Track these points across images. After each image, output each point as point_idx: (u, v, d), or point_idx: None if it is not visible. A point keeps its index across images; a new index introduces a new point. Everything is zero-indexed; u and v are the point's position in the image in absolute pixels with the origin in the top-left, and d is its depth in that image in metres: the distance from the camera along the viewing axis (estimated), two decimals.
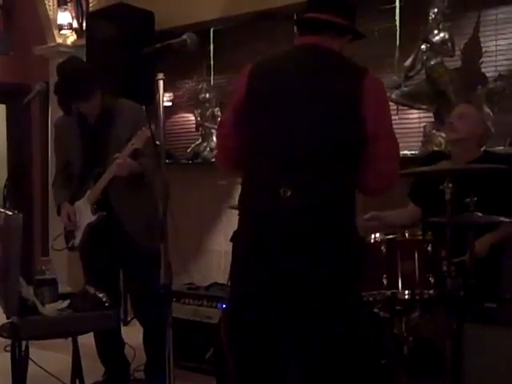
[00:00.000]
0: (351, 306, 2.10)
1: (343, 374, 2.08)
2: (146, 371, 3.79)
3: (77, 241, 3.58)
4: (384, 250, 2.76)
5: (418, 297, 2.69)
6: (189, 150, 5.40)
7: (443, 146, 3.99)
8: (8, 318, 2.73)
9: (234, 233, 2.19)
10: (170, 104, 5.57)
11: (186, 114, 5.66)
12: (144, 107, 3.79)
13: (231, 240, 2.20)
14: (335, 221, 2.06)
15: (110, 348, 3.74)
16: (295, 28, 4.67)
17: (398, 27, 4.33)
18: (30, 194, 7.37)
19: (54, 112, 6.47)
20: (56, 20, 6.32)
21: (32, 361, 3.03)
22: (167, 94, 5.49)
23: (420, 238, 2.81)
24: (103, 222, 3.49)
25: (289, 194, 2.02)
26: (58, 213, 3.64)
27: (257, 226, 2.10)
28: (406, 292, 2.70)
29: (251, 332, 2.12)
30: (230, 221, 5.01)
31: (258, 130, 2.14)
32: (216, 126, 5.17)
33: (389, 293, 2.70)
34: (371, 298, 2.70)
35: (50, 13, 6.38)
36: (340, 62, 2.17)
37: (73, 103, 3.48)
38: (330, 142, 2.05)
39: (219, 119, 5.19)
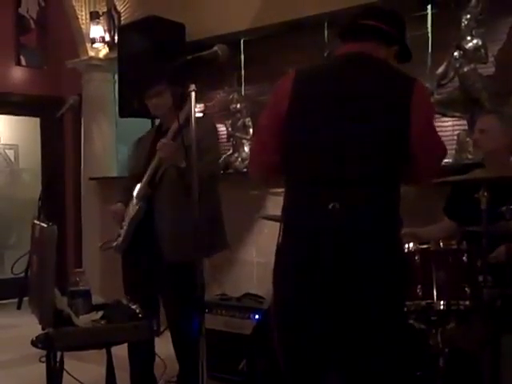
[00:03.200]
0: (399, 321, 2.09)
1: None
2: (178, 382, 3.79)
3: (120, 239, 3.59)
4: (418, 260, 2.73)
5: (453, 307, 2.65)
6: (220, 161, 5.42)
7: None
8: (43, 329, 2.75)
9: (279, 246, 2.14)
10: (201, 115, 5.59)
11: (217, 124, 5.67)
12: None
13: (276, 254, 2.15)
14: (385, 234, 2.03)
15: (140, 361, 3.73)
16: (326, 38, 4.73)
17: (429, 34, 4.29)
18: (64, 206, 7.47)
19: (86, 124, 6.59)
20: (88, 34, 6.42)
21: (67, 372, 3.05)
22: (199, 105, 5.53)
23: (455, 247, 2.77)
24: (145, 225, 3.49)
25: (338, 207, 1.99)
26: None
27: (305, 240, 2.05)
28: (442, 302, 2.66)
29: (302, 343, 2.10)
30: (262, 231, 5.01)
31: (304, 140, 2.10)
32: (247, 137, 5.20)
33: (424, 303, 2.67)
34: (406, 309, 2.66)
35: (83, 26, 6.47)
36: (388, 70, 2.12)
37: (145, 100, 3.60)
38: (379, 154, 2.01)
39: (251, 130, 5.20)
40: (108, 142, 6.63)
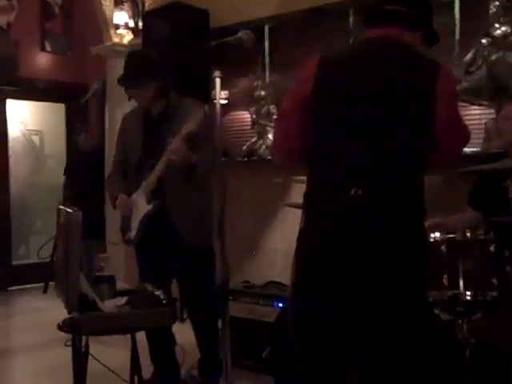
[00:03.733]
0: (421, 307, 2.07)
1: (407, 376, 2.04)
2: (200, 369, 3.81)
3: (133, 233, 3.60)
4: (444, 250, 2.71)
5: (480, 298, 2.63)
6: (244, 148, 5.41)
7: None
8: (69, 313, 2.78)
9: (301, 232, 2.12)
10: (225, 102, 5.59)
11: (241, 111, 5.67)
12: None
13: (297, 239, 2.13)
14: (408, 223, 2.01)
15: (161, 346, 3.76)
16: (351, 25, 4.69)
17: (457, 21, 4.24)
18: (88, 192, 7.50)
19: (111, 110, 6.59)
20: (113, 20, 6.42)
21: (92, 356, 3.08)
22: (223, 92, 5.51)
23: (482, 237, 2.74)
24: (158, 216, 3.51)
25: (360, 193, 1.97)
26: (114, 205, 3.68)
27: (327, 226, 2.03)
28: (468, 293, 2.64)
29: (321, 330, 2.07)
30: (287, 219, 5.00)
31: (328, 125, 2.08)
32: (272, 124, 5.17)
33: (450, 293, 2.65)
34: (431, 299, 2.65)
35: (107, 13, 6.48)
36: (413, 55, 2.09)
37: (125, 90, 3.58)
38: (404, 140, 1.99)
39: (276, 113, 5.18)
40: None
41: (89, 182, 6.47)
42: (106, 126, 6.70)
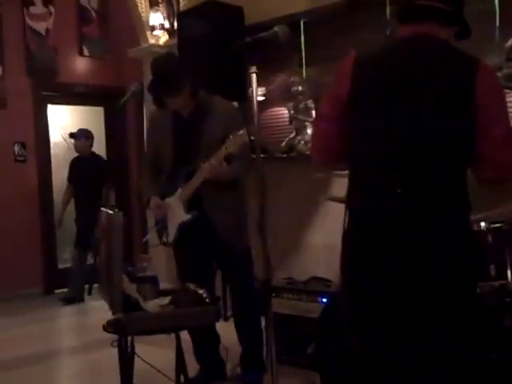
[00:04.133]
0: (472, 306, 2.06)
1: (457, 368, 2.04)
2: (241, 364, 3.82)
3: (170, 237, 3.63)
4: (491, 240, 2.67)
5: None
6: (283, 144, 5.39)
7: None
8: (113, 314, 2.81)
9: (345, 233, 2.13)
10: (262, 98, 5.58)
11: (278, 107, 5.65)
12: (237, 104, 3.81)
13: (342, 240, 2.14)
14: (454, 218, 2.00)
15: (205, 344, 3.79)
16: (388, 16, 4.64)
17: (497, 8, 4.18)
18: (128, 193, 7.60)
19: (149, 111, 6.64)
20: (148, 21, 6.47)
21: (138, 356, 3.11)
22: (260, 89, 5.50)
23: None
24: (196, 220, 3.54)
25: (400, 191, 1.97)
26: (147, 206, 3.71)
27: (371, 227, 2.04)
28: None
29: (374, 328, 2.10)
30: (328, 214, 4.98)
31: (366, 126, 2.07)
32: (310, 119, 5.15)
33: (497, 284, 2.61)
34: (478, 290, 2.60)
35: (143, 14, 6.53)
36: (451, 52, 2.06)
37: (163, 98, 3.53)
38: (443, 138, 1.97)
39: (314, 112, 5.16)
40: None
41: (88, 189, 6.56)
42: (145, 128, 6.76)
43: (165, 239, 3.68)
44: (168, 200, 3.59)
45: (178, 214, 3.56)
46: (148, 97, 6.58)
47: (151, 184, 3.71)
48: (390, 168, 2.01)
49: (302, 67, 5.33)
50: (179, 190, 3.53)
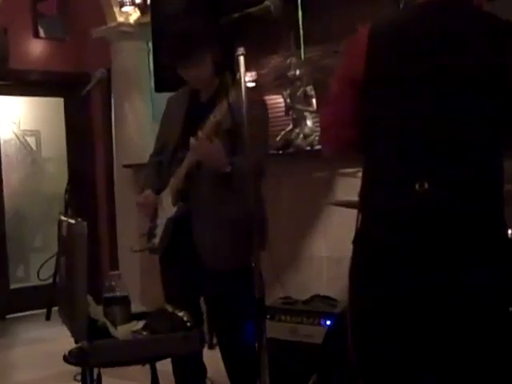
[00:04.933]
0: (508, 313, 2.06)
1: None
2: None
3: (157, 240, 3.58)
4: None
5: None
6: (278, 139, 5.38)
7: None
8: (76, 342, 2.79)
9: (358, 234, 2.14)
10: (253, 84, 5.58)
11: (272, 95, 5.66)
12: None
13: (353, 243, 2.15)
14: (487, 218, 2.00)
15: (190, 376, 3.76)
16: None
17: None
18: (95, 199, 7.58)
19: (118, 102, 6.66)
20: None
21: None
22: (249, 73, 5.51)
23: None
24: (185, 222, 3.50)
25: (426, 186, 1.97)
26: None
27: (388, 228, 2.05)
28: None
29: (390, 354, 2.10)
30: (332, 221, 4.98)
31: (386, 110, 2.08)
32: (310, 108, 5.17)
33: None
34: None
35: None
36: (485, 19, 2.06)
37: (178, 69, 3.42)
38: (476, 123, 1.98)
39: (314, 100, 5.16)
40: (143, 122, 6.70)
41: None
42: (113, 121, 6.77)
43: (152, 243, 3.63)
44: (162, 194, 3.54)
45: (167, 209, 3.51)
46: (117, 85, 6.64)
47: (147, 176, 3.70)
48: (414, 159, 2.01)
49: (300, 47, 5.35)
50: (171, 180, 3.48)
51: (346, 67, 2.20)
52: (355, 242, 2.13)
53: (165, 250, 3.56)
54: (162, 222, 3.53)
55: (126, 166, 6.58)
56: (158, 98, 6.24)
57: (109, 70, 6.60)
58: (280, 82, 5.47)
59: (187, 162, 3.34)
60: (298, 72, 5.30)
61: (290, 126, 5.35)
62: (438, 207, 1.97)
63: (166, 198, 3.50)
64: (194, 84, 3.48)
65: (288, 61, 5.36)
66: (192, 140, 3.21)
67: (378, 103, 2.09)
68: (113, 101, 6.75)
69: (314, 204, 5.13)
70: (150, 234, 3.63)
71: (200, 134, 3.17)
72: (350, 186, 2.23)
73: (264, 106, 3.55)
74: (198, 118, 3.39)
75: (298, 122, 5.31)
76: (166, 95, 5.59)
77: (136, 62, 6.64)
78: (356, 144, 2.16)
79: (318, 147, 5.08)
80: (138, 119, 6.68)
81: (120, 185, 6.78)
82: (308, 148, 5.08)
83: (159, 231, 3.54)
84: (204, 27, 3.38)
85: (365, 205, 2.12)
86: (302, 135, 5.24)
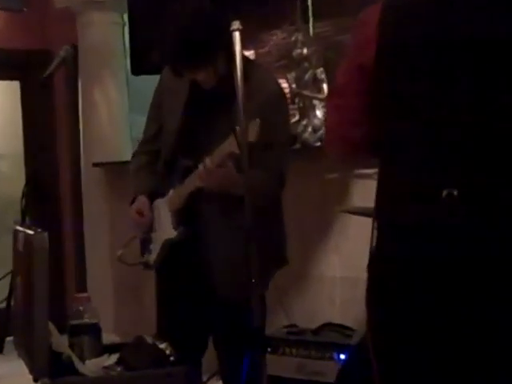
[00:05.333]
0: None
1: None
2: None
3: (153, 256, 3.62)
4: None
5: None
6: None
7: None
8: (35, 380, 2.79)
9: (373, 253, 2.16)
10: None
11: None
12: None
13: (369, 265, 2.17)
14: None
15: None
16: None
17: None
18: (58, 205, 7.60)
19: (86, 87, 6.66)
20: None
21: None
22: (247, 52, 5.51)
23: None
24: (187, 242, 3.51)
25: (456, 195, 1.97)
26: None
27: (410, 247, 2.06)
28: None
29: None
30: (346, 232, 4.99)
31: (402, 102, 2.09)
32: (320, 95, 5.18)
33: None
34: None
35: None
36: None
37: (181, 70, 3.42)
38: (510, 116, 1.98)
39: (325, 85, 5.18)
40: (118, 111, 6.74)
41: None
42: (80, 110, 6.77)
43: (145, 259, 3.66)
44: (157, 202, 3.59)
45: (164, 225, 3.55)
46: (86, 66, 6.64)
47: (142, 174, 3.71)
48: (439, 161, 2.02)
49: (308, 21, 5.35)
50: (171, 192, 3.52)
51: (353, 52, 2.23)
52: (371, 262, 2.16)
53: (164, 269, 3.62)
54: (158, 236, 3.59)
55: (96, 165, 6.59)
56: (135, 82, 6.27)
57: (75, 48, 6.60)
58: (284, 62, 5.49)
59: (192, 183, 3.37)
60: (305, 51, 5.32)
61: (296, 117, 5.37)
62: (470, 221, 1.98)
63: (163, 207, 3.54)
64: (201, 85, 3.45)
65: (293, 37, 5.38)
66: (200, 167, 3.24)
67: (391, 93, 2.11)
68: (80, 85, 6.74)
69: (325, 211, 5.14)
70: (144, 249, 3.66)
71: (208, 162, 3.19)
72: (368, 189, 2.23)
73: (281, 93, 3.58)
74: (201, 111, 3.46)
75: (306, 111, 5.32)
76: (146, 79, 5.66)
77: (108, 37, 6.66)
78: (366, 144, 2.19)
79: None
80: (111, 108, 6.70)
81: (89, 187, 6.78)
82: (318, 144, 5.09)
83: (155, 247, 3.60)
84: (219, 24, 3.18)
85: (380, 217, 2.14)
86: (310, 128, 5.25)
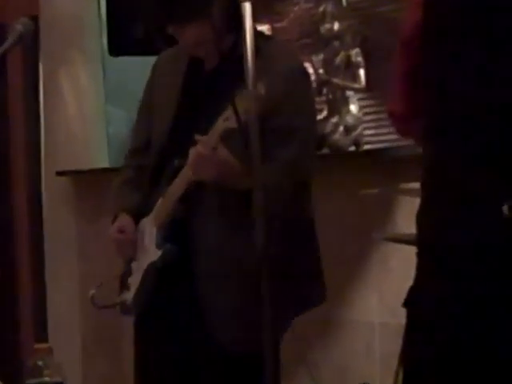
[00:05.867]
0: None
1: None
2: None
3: (131, 293, 3.63)
4: None
5: None
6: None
7: None
8: None
9: (414, 290, 2.19)
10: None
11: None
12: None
13: (406, 304, 2.21)
14: None
15: None
16: None
17: None
18: (10, 226, 7.63)
19: (50, 73, 6.69)
20: None
21: None
22: (261, 27, 5.54)
23: None
24: (176, 269, 3.52)
25: None
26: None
27: (456, 283, 2.09)
28: None
29: None
30: (387, 265, 5.01)
31: (447, 77, 2.15)
32: (355, 85, 5.20)
33: None
34: None
35: None
36: None
37: (170, 30, 3.47)
38: None
39: (362, 72, 5.20)
40: (90, 102, 6.74)
41: None
42: (41, 102, 6.80)
43: (122, 298, 3.66)
44: (142, 223, 3.62)
45: (148, 248, 3.57)
46: (49, 44, 6.66)
47: (126, 190, 3.75)
48: (500, 165, 2.05)
49: None
50: (158, 202, 3.54)
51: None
52: (407, 302, 2.21)
53: (143, 311, 3.63)
54: (140, 265, 3.60)
55: (61, 174, 6.59)
56: (114, 66, 6.30)
57: (35, 20, 6.68)
58: (308, 41, 5.51)
59: (183, 180, 3.39)
60: (336, 26, 5.34)
61: (324, 113, 5.39)
62: None
63: (149, 228, 3.56)
64: (192, 50, 3.54)
65: (321, 8, 5.39)
66: (192, 151, 3.25)
67: (437, 79, 2.19)
68: (41, 69, 6.79)
69: (361, 238, 5.17)
70: (122, 284, 3.67)
71: (200, 146, 3.20)
72: (415, 207, 2.25)
73: (301, 70, 3.62)
74: (199, 97, 3.51)
75: (336, 106, 5.34)
76: (126, 61, 5.70)
77: (78, 7, 6.66)
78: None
79: (369, 147, 5.13)
80: (82, 99, 6.71)
81: (51, 202, 6.80)
82: (352, 148, 5.12)
83: (135, 280, 3.61)
84: None
85: (423, 241, 2.19)
86: (341, 128, 5.26)
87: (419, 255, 2.19)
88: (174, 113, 3.58)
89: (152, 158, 3.63)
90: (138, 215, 3.62)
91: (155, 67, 3.77)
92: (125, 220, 3.62)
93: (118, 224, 3.62)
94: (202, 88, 3.54)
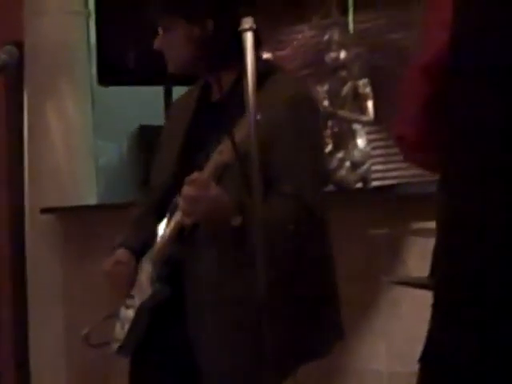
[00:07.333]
0: None
1: None
2: None
3: (123, 333, 3.65)
4: None
5: None
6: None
7: None
8: None
9: (432, 342, 2.17)
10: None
11: None
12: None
13: (421, 359, 2.17)
14: None
15: None
16: None
17: None
18: None
19: (35, 105, 6.69)
20: None
21: None
22: (264, 55, 5.56)
23: None
24: (168, 310, 3.55)
25: None
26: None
27: (477, 334, 2.04)
28: None
29: None
30: (397, 311, 5.02)
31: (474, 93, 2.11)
32: (363, 117, 5.22)
33: None
34: None
35: None
36: None
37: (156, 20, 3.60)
38: None
39: (370, 104, 5.23)
40: (77, 135, 6.73)
41: None
42: (26, 135, 6.81)
43: (116, 335, 3.67)
44: (142, 261, 3.65)
45: (143, 286, 3.59)
46: (35, 73, 6.66)
47: (132, 225, 3.81)
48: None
49: (347, 13, 5.42)
50: (157, 239, 3.57)
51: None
52: (422, 358, 2.16)
53: (136, 351, 3.65)
54: (134, 303, 3.62)
55: (46, 211, 6.59)
56: (104, 97, 6.33)
57: (20, 48, 6.70)
58: (313, 70, 5.54)
59: (176, 220, 3.43)
60: (342, 55, 5.37)
61: (330, 147, 5.41)
62: None
63: (147, 265, 3.60)
64: (168, 61, 3.62)
65: (327, 35, 5.42)
66: (182, 193, 3.25)
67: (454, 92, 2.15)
68: (26, 100, 6.80)
69: (369, 281, 5.17)
70: (116, 323, 3.69)
71: (187, 187, 3.21)
72: (429, 251, 2.26)
73: (312, 104, 3.67)
74: (203, 130, 3.56)
75: (343, 140, 5.36)
76: (117, 92, 5.73)
77: (66, 34, 6.68)
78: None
79: (377, 183, 5.15)
80: (69, 130, 6.68)
81: (35, 241, 6.79)
82: (359, 185, 5.14)
83: (127, 318, 3.63)
84: None
85: (436, 284, 2.16)
86: (348, 163, 5.28)
87: (434, 300, 2.13)
88: (180, 148, 3.64)
89: (157, 194, 3.69)
90: (141, 253, 3.65)
91: (173, 108, 3.94)
92: (122, 253, 3.65)
93: (114, 257, 3.65)
94: (206, 120, 3.59)
